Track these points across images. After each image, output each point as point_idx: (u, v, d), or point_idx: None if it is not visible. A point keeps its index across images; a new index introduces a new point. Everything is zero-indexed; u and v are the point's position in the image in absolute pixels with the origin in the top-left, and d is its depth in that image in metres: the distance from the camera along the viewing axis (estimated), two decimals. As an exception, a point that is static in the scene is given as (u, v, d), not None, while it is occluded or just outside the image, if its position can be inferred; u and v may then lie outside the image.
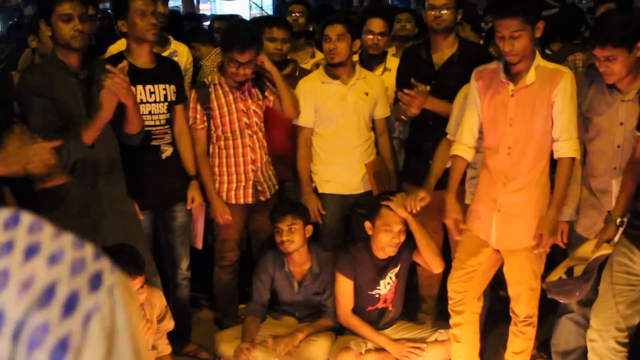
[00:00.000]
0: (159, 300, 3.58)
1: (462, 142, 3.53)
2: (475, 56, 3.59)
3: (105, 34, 5.19)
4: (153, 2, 3.79)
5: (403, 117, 3.97)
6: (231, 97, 4.06)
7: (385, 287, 3.98)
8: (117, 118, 3.34)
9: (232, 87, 4.05)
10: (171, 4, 20.62)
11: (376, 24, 4.60)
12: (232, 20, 5.04)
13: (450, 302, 3.69)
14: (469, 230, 3.56)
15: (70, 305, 0.59)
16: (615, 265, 3.12)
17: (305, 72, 4.58)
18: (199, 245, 4.27)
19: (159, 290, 3.64)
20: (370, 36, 4.59)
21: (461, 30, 4.91)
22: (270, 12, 20.36)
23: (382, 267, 3.94)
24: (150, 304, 3.50)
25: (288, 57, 4.66)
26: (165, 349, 3.69)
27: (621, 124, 3.31)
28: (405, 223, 3.77)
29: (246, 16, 20.92)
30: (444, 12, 3.84)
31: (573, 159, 3.31)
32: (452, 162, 3.61)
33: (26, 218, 0.64)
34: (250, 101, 4.11)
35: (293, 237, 3.92)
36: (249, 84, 4.11)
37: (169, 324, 3.66)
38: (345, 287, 3.93)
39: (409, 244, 3.87)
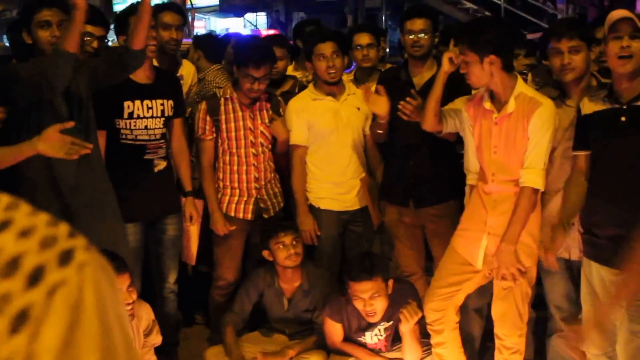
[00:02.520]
0: (147, 314, 3.55)
1: (472, 171, 3.57)
2: (454, 77, 3.60)
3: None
4: (154, 18, 3.81)
5: (379, 131, 3.98)
6: (240, 114, 4.08)
7: (372, 338, 3.86)
8: (108, 62, 3.43)
9: (244, 104, 4.07)
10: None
11: (362, 38, 4.70)
12: (245, 37, 5.14)
13: (428, 321, 3.63)
14: (455, 250, 3.55)
15: (34, 277, 0.59)
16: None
17: (304, 89, 4.57)
18: (192, 260, 4.25)
19: (146, 304, 3.61)
20: (359, 50, 4.65)
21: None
22: (264, 30, 20.47)
23: (369, 323, 3.82)
24: (137, 317, 3.47)
25: (288, 75, 4.73)
26: None
27: None
28: (380, 287, 3.63)
29: (240, 34, 21.05)
30: (422, 36, 3.87)
31: (535, 190, 3.29)
32: (468, 192, 3.65)
33: (4, 197, 0.65)
34: (259, 121, 4.12)
35: (299, 250, 3.89)
36: (263, 105, 4.13)
37: (156, 339, 3.63)
38: (334, 329, 3.86)
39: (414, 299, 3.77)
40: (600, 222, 3.10)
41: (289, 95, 4.50)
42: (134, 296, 3.33)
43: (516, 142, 3.29)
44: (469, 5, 14.12)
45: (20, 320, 0.58)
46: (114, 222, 3.64)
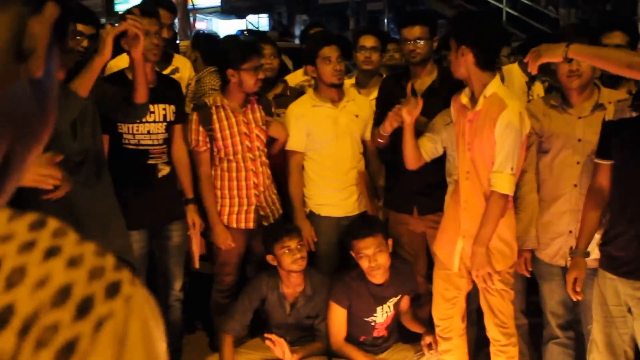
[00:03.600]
0: None
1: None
2: (456, 82, 3.63)
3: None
4: (157, 22, 3.81)
5: (380, 140, 3.99)
6: (234, 119, 4.05)
7: (383, 315, 3.95)
8: (114, 100, 3.43)
9: (235, 109, 4.05)
10: (168, 21, 20.37)
11: (367, 40, 4.66)
12: (224, 37, 5.09)
13: (437, 329, 3.71)
14: (437, 256, 3.62)
15: (83, 309, 0.59)
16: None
17: (296, 92, 4.61)
18: (197, 264, 4.27)
19: None
20: (363, 52, 4.64)
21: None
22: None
23: (381, 294, 3.91)
24: None
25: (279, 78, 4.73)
26: None
27: (579, 140, 3.37)
28: (381, 243, 3.78)
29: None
30: (418, 43, 3.89)
31: (504, 195, 3.29)
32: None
33: (53, 223, 0.64)
34: (253, 125, 4.10)
35: (304, 254, 3.91)
36: (255, 107, 4.13)
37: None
38: (338, 316, 3.91)
39: (413, 278, 3.92)
40: (621, 241, 3.04)
41: (281, 99, 4.53)
42: None
43: (483, 142, 3.29)
44: (471, 8, 14.11)
45: (67, 352, 0.57)
46: (117, 231, 3.63)
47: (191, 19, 17.54)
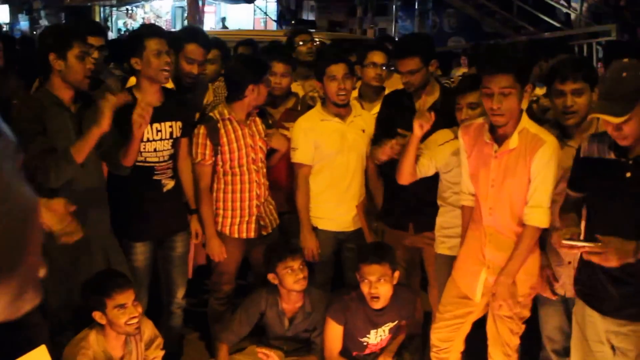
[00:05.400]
0: (149, 329, 3.63)
1: (466, 192, 3.60)
2: (441, 108, 3.68)
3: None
4: (167, 43, 3.85)
5: (381, 158, 4.04)
6: (240, 132, 4.11)
7: (376, 338, 4.01)
8: (109, 147, 3.50)
9: (241, 121, 4.11)
10: (177, 4, 20.57)
11: (378, 57, 4.68)
12: (238, 58, 5.11)
13: (433, 349, 3.74)
14: (455, 283, 3.62)
15: None
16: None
17: (306, 106, 4.65)
18: (190, 274, 4.36)
19: (149, 320, 3.69)
20: (373, 68, 4.65)
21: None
22: (274, 17, 20.48)
23: (377, 319, 3.95)
24: (140, 331, 3.55)
25: (291, 91, 4.74)
26: None
27: None
28: (386, 273, 3.80)
29: (250, 21, 21.07)
30: (412, 76, 3.92)
31: (538, 228, 3.31)
32: (462, 213, 3.66)
33: None
34: (257, 137, 4.17)
35: (306, 274, 3.96)
36: (257, 120, 4.20)
37: (156, 353, 3.68)
38: (334, 332, 3.98)
39: (413, 304, 3.94)
40: (595, 280, 3.01)
41: (292, 112, 4.58)
42: (140, 310, 3.41)
43: (516, 178, 3.29)
44: (481, 1, 14.04)
45: None
46: (107, 243, 3.77)
47: (199, 3, 17.53)
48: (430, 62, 3.99)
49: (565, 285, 3.44)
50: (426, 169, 3.79)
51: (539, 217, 3.28)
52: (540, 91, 4.75)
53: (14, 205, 0.82)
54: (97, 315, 3.33)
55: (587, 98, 3.29)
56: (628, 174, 2.85)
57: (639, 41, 8.30)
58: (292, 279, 3.92)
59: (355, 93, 4.75)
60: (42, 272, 1.09)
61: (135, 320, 3.36)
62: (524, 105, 4.46)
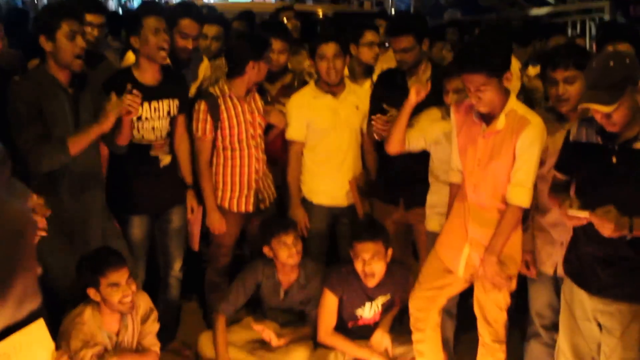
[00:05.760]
0: (144, 302, 3.68)
1: (454, 169, 3.67)
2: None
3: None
4: (172, 21, 3.93)
5: (376, 136, 4.10)
6: (240, 108, 4.18)
7: (370, 311, 4.12)
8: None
9: (240, 97, 4.18)
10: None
11: (374, 36, 4.76)
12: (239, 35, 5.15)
13: (411, 318, 3.83)
14: (437, 255, 3.69)
15: None
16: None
17: (303, 83, 4.70)
18: (196, 247, 4.45)
19: (144, 293, 3.75)
20: (370, 48, 4.73)
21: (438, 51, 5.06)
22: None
23: (372, 292, 4.05)
24: (135, 306, 3.58)
25: (288, 68, 4.79)
26: (154, 347, 3.72)
27: None
28: (380, 251, 3.89)
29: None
30: (405, 54, 3.98)
31: (520, 207, 3.38)
32: (450, 189, 3.74)
33: None
34: (256, 113, 4.24)
35: (300, 249, 4.06)
36: (256, 96, 4.27)
37: (153, 326, 3.71)
38: (330, 303, 4.07)
39: (407, 281, 4.01)
40: (586, 260, 3.09)
41: (288, 89, 4.63)
42: (134, 287, 3.45)
43: (501, 157, 3.35)
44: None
45: None
46: (104, 222, 3.82)
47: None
48: (423, 41, 4.05)
49: (556, 264, 3.51)
50: (416, 142, 3.86)
51: (521, 196, 3.35)
52: (533, 70, 4.81)
53: (5, 220, 0.85)
54: (91, 292, 3.37)
55: (580, 85, 3.29)
56: (614, 159, 2.91)
57: (631, 19, 8.31)
58: (285, 253, 4.03)
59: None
60: (38, 271, 1.14)
61: (128, 299, 3.40)
62: (516, 85, 4.54)
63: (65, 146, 3.38)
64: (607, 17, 8.49)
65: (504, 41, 3.38)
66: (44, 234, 2.70)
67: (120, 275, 3.36)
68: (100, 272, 3.33)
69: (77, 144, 3.40)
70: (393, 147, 3.84)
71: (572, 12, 9.42)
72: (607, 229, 2.79)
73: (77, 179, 3.56)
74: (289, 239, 4.03)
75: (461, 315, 4.09)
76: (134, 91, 3.43)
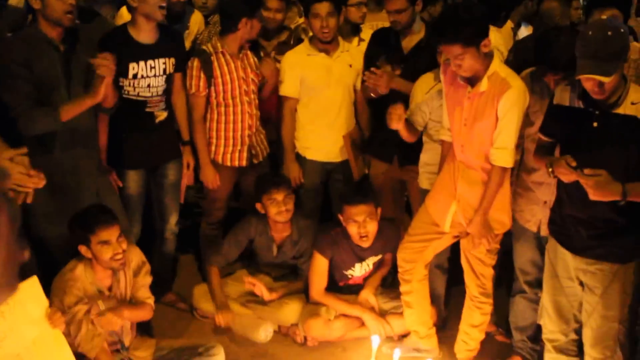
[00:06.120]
0: (136, 256, 3.71)
1: (445, 127, 3.72)
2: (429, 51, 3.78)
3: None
4: None
5: (372, 94, 4.14)
6: (232, 65, 4.23)
7: (361, 271, 4.22)
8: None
9: (233, 54, 4.22)
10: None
11: None
12: None
13: (399, 269, 3.92)
14: (427, 210, 3.78)
15: None
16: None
17: (298, 41, 4.71)
18: (181, 199, 4.50)
19: (136, 247, 3.79)
20: (357, 8, 4.79)
21: (433, 10, 5.06)
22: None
23: (362, 253, 4.15)
24: (127, 260, 3.62)
25: (284, 25, 4.82)
26: (148, 299, 3.74)
27: None
28: (372, 212, 3.98)
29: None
30: (398, 15, 4.02)
31: (504, 168, 3.44)
32: (442, 147, 3.80)
33: None
34: (249, 70, 4.29)
35: (290, 207, 4.14)
36: (249, 53, 4.30)
37: (145, 279, 3.74)
38: (320, 265, 4.16)
39: (397, 238, 4.06)
40: (570, 221, 3.16)
41: (285, 46, 4.67)
42: (124, 246, 3.47)
43: (484, 119, 3.39)
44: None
45: None
46: (97, 179, 3.86)
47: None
48: (417, 2, 4.09)
49: (541, 223, 3.58)
50: (422, 121, 3.93)
51: (504, 157, 3.40)
52: (526, 30, 4.81)
53: None
54: (82, 249, 3.41)
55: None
56: (595, 124, 2.96)
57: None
58: (275, 209, 4.12)
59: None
60: (25, 255, 1.12)
61: (119, 257, 3.43)
62: (508, 44, 4.53)
63: (57, 113, 3.41)
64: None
65: (478, 10, 3.37)
66: (29, 200, 2.71)
67: (111, 233, 3.39)
68: (91, 229, 3.36)
69: (69, 113, 3.45)
70: (411, 139, 3.91)
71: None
72: (595, 193, 2.83)
73: (69, 134, 3.58)
74: (279, 195, 4.11)
75: (453, 269, 4.17)
76: (104, 54, 3.39)
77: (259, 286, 4.20)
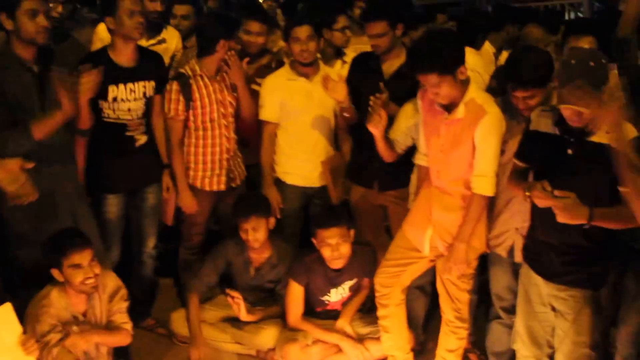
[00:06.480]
0: (111, 281, 3.70)
1: (421, 152, 3.76)
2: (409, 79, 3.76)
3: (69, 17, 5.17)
4: (140, 2, 3.92)
5: (347, 114, 4.17)
6: (211, 88, 4.25)
7: (337, 296, 4.23)
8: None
9: (211, 77, 4.24)
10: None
11: (345, 21, 4.89)
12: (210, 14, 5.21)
13: (376, 294, 3.94)
14: (404, 235, 3.80)
15: None
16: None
17: (280, 65, 4.73)
18: (170, 221, 4.52)
19: (111, 272, 3.78)
20: (340, 32, 4.84)
21: (414, 34, 5.12)
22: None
23: (335, 277, 4.16)
24: (102, 285, 3.63)
25: (266, 49, 4.85)
26: (124, 324, 3.72)
27: None
28: (345, 234, 4.00)
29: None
30: (379, 39, 4.03)
31: (485, 196, 3.47)
32: (418, 171, 3.84)
33: None
34: (226, 92, 4.31)
35: (257, 236, 4.13)
36: (224, 76, 4.31)
37: (121, 304, 3.72)
38: (296, 292, 4.17)
39: (373, 263, 4.09)
40: (541, 247, 3.20)
41: (266, 70, 4.68)
42: (96, 270, 3.47)
43: (461, 146, 3.43)
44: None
45: None
46: (74, 201, 3.85)
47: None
48: (397, 26, 4.09)
49: (512, 249, 3.61)
50: (403, 144, 3.92)
51: (485, 185, 3.44)
52: (507, 55, 4.81)
53: None
54: (55, 273, 3.41)
55: (541, 96, 3.34)
56: (570, 151, 2.99)
57: (610, 8, 8.22)
58: (243, 237, 4.16)
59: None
60: None
61: (91, 281, 3.43)
62: (490, 69, 4.56)
63: (28, 132, 3.41)
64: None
65: (453, 38, 3.40)
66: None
67: (83, 257, 3.39)
68: (62, 253, 3.36)
69: (41, 130, 3.44)
70: (388, 159, 3.93)
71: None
72: (562, 215, 2.86)
73: (45, 151, 3.55)
74: (248, 226, 4.11)
75: (435, 293, 4.12)
76: (88, 71, 3.42)
77: (239, 302, 4.20)
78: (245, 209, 4.14)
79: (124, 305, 3.71)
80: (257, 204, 4.21)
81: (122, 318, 3.70)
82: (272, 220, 4.24)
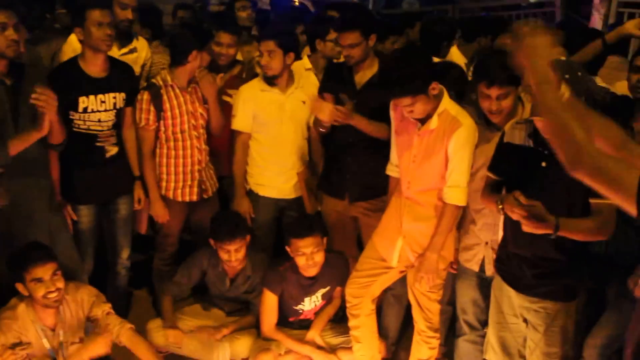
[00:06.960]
0: (86, 295, 3.70)
1: (393, 163, 3.79)
2: None
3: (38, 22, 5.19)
4: (110, 14, 3.93)
5: (322, 129, 4.16)
6: (182, 99, 4.25)
7: (310, 304, 4.23)
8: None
9: (182, 88, 4.25)
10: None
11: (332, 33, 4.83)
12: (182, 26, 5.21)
13: (347, 305, 3.96)
14: (374, 245, 3.83)
15: None
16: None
17: (252, 75, 4.76)
18: (143, 230, 4.54)
19: (86, 286, 3.78)
20: (333, 44, 4.80)
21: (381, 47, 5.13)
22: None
23: (309, 286, 4.17)
24: (78, 301, 3.63)
25: (237, 59, 4.85)
26: (121, 325, 3.72)
27: None
28: (319, 243, 4.01)
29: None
30: (352, 49, 4.01)
31: (457, 206, 3.51)
32: (389, 182, 3.86)
33: None
34: (197, 104, 4.31)
35: (239, 256, 4.14)
36: (196, 88, 4.31)
37: (104, 307, 3.72)
38: (270, 302, 4.17)
39: (346, 270, 4.11)
40: (513, 260, 3.21)
41: (237, 80, 4.69)
42: (59, 284, 3.45)
43: (434, 157, 3.46)
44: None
45: None
46: (48, 213, 3.84)
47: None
48: (370, 36, 4.07)
49: (482, 263, 3.64)
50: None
51: (457, 195, 3.47)
52: None
53: None
54: (19, 287, 3.42)
55: (513, 98, 3.36)
56: (543, 164, 2.98)
57: (582, 17, 8.34)
58: (225, 257, 4.15)
59: (308, 64, 4.92)
60: None
61: (53, 295, 3.42)
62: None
63: (5, 148, 3.39)
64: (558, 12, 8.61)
65: (420, 58, 3.41)
66: None
67: (44, 271, 3.39)
68: (24, 267, 3.37)
69: (17, 147, 3.44)
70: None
71: (523, 6, 9.51)
72: (527, 224, 2.84)
73: (17, 162, 3.52)
74: (231, 247, 4.11)
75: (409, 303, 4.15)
76: (41, 89, 3.37)
77: (220, 333, 4.21)
78: (228, 232, 4.12)
79: (107, 307, 3.72)
80: (238, 226, 4.17)
81: (114, 320, 3.71)
82: (248, 238, 4.23)
